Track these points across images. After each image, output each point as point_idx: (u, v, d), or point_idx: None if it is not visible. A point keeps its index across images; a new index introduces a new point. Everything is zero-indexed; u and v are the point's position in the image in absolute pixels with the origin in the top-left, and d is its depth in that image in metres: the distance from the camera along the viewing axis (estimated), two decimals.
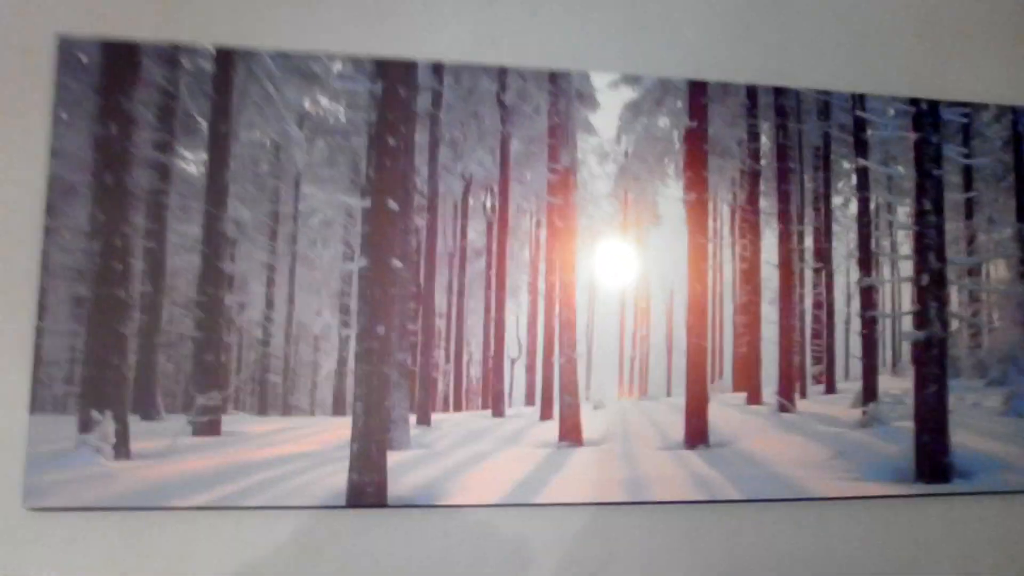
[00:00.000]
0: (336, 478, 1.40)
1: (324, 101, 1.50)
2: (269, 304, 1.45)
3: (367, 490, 1.40)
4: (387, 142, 1.50)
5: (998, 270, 1.70)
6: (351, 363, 1.44)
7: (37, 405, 1.33)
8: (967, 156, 1.70)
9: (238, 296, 1.43)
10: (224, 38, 1.48)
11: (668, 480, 1.48)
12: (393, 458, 1.42)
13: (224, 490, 1.36)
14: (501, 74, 1.56)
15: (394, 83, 1.51)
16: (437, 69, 1.53)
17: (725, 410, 1.55)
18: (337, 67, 1.51)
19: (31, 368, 1.34)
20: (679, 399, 1.54)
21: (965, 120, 1.71)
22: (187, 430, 1.38)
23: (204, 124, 1.45)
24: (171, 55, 1.45)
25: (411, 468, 1.43)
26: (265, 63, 1.49)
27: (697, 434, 1.52)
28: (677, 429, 1.52)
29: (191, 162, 1.44)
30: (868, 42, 1.72)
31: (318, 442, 1.42)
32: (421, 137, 1.52)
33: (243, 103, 1.47)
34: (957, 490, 1.58)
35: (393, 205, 1.48)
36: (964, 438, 1.60)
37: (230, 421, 1.40)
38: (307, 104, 1.50)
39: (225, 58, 1.47)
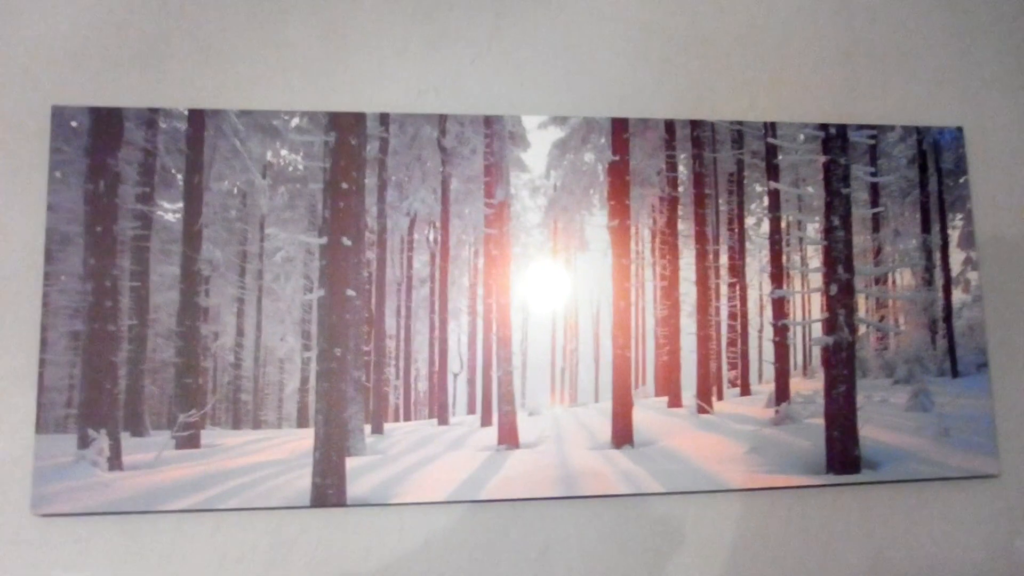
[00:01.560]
0: (302, 482, 1.63)
1: (284, 152, 1.75)
2: (240, 332, 1.69)
3: (329, 492, 1.64)
4: (340, 186, 1.74)
5: (904, 278, 1.89)
6: (312, 381, 1.68)
7: (41, 426, 1.59)
8: (874, 174, 1.90)
9: (213, 326, 1.68)
10: (195, 101, 1.74)
11: (598, 476, 1.70)
12: (351, 463, 1.66)
13: (205, 495, 1.61)
14: (441, 120, 1.79)
15: (345, 134, 1.76)
16: (384, 119, 1.77)
17: (648, 413, 1.76)
18: (295, 121, 1.75)
19: (36, 394, 1.60)
20: (606, 404, 1.76)
21: (872, 141, 1.91)
22: (171, 444, 1.63)
23: (180, 177, 1.70)
24: (150, 118, 1.71)
25: (367, 471, 1.66)
26: (231, 121, 1.73)
27: (623, 435, 1.74)
28: (605, 431, 1.74)
29: (169, 211, 1.69)
30: (780, 74, 1.93)
31: (285, 451, 1.66)
32: (371, 180, 1.75)
33: (213, 157, 1.72)
34: (865, 479, 1.78)
35: (347, 241, 1.72)
36: (872, 432, 1.80)
37: (208, 435, 1.65)
38: (269, 155, 1.74)
39: (197, 118, 1.72)
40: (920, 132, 1.94)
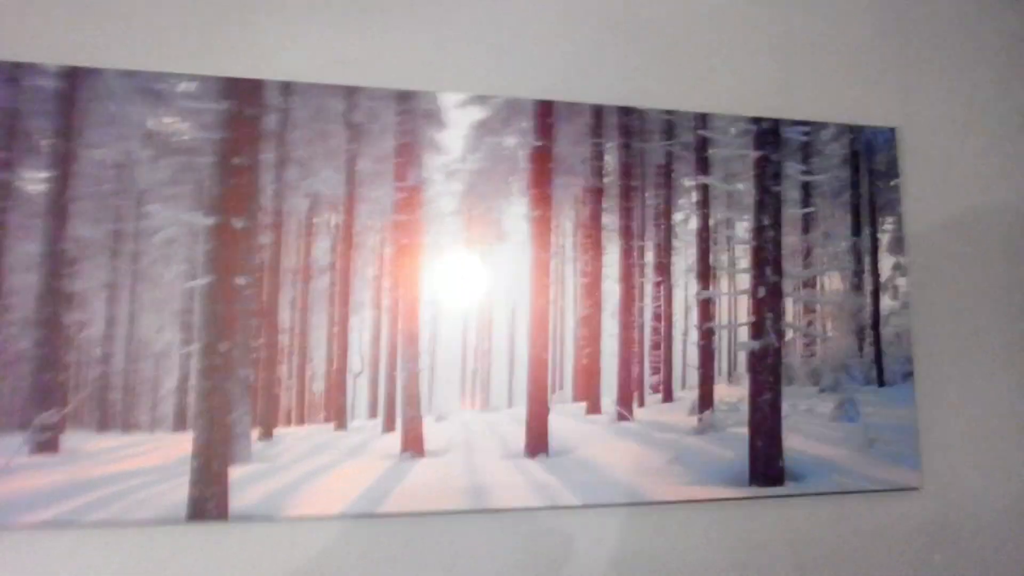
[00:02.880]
0: (177, 493, 1.47)
1: (169, 120, 1.57)
2: (110, 323, 1.52)
3: (208, 504, 1.48)
4: (233, 161, 1.58)
5: (832, 282, 1.85)
6: (193, 379, 1.52)
7: None
8: (806, 173, 1.85)
9: (78, 315, 1.50)
10: (68, 57, 1.55)
11: (509, 488, 1.60)
12: (235, 472, 1.51)
13: (63, 507, 1.43)
14: (350, 94, 1.65)
15: (241, 103, 1.59)
16: (285, 89, 1.62)
17: (565, 420, 1.67)
18: (183, 86, 1.58)
19: None
20: (520, 410, 1.65)
21: (806, 138, 1.86)
22: (24, 448, 1.45)
23: (46, 143, 1.51)
24: (12, 73, 1.51)
25: (253, 481, 1.51)
26: (109, 82, 1.55)
27: (538, 443, 1.64)
28: (518, 439, 1.64)
29: (32, 181, 1.50)
30: (714, 63, 1.85)
31: (159, 457, 1.49)
32: (268, 156, 1.60)
33: (86, 122, 1.54)
34: (789, 492, 1.73)
35: (238, 223, 1.56)
36: (797, 442, 1.75)
37: (69, 439, 1.47)
38: (152, 123, 1.57)
39: (68, 76, 1.53)
40: (854, 131, 1.89)
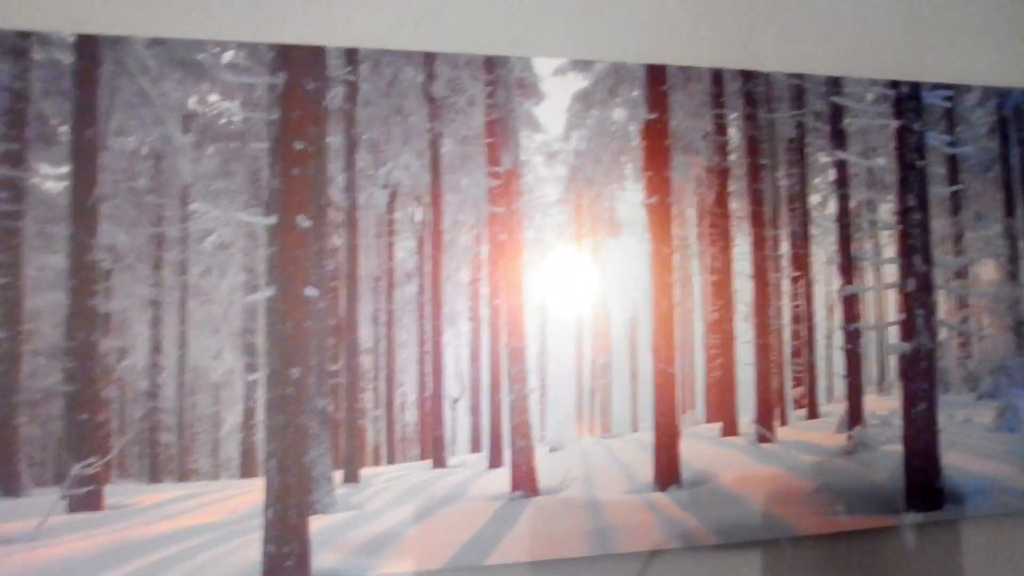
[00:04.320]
0: (249, 551, 1.22)
1: (214, 98, 1.31)
2: (156, 348, 1.26)
3: (287, 563, 1.24)
4: (293, 146, 1.31)
5: (986, 271, 1.62)
6: (260, 414, 1.26)
7: None
8: (952, 144, 1.61)
9: (116, 340, 1.24)
10: (86, 24, 1.27)
11: (637, 528, 1.36)
12: (316, 524, 1.26)
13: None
14: (428, 61, 1.39)
15: (299, 74, 1.33)
16: (351, 56, 1.35)
17: (698, 444, 1.43)
18: (228, 56, 1.31)
19: None
20: (646, 434, 1.41)
21: (948, 104, 1.61)
22: (61, 506, 1.19)
23: (64, 131, 1.24)
24: (19, 45, 1.24)
25: (338, 534, 1.26)
26: (138, 53, 1.28)
27: (668, 474, 1.40)
28: (645, 469, 1.40)
29: (50, 178, 1.23)
30: (843, 19, 1.60)
31: (225, 510, 1.24)
32: (335, 139, 1.34)
33: (113, 103, 1.27)
34: (949, 517, 1.51)
35: (304, 222, 1.30)
36: (956, 459, 1.53)
37: (114, 492, 1.21)
38: (193, 102, 1.30)
39: (88, 48, 1.26)
40: (1001, 94, 1.65)
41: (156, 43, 1.29)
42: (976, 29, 1.68)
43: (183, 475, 1.25)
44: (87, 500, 1.21)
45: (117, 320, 1.24)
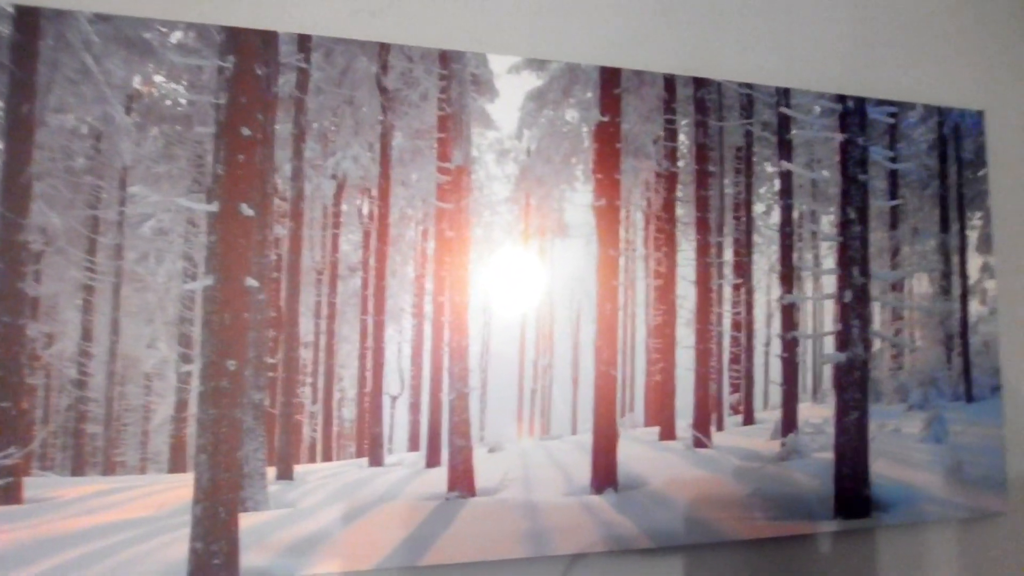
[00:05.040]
0: (174, 549, 1.20)
1: (159, 79, 1.27)
2: (86, 335, 1.22)
3: (214, 561, 1.21)
4: (240, 132, 1.29)
5: (920, 284, 1.67)
6: (193, 407, 1.24)
7: None
8: (893, 160, 1.66)
9: (45, 325, 1.20)
10: None
11: (573, 530, 1.37)
12: (247, 521, 1.24)
13: (28, 572, 1.14)
14: (382, 52, 1.37)
15: (249, 59, 1.30)
16: (303, 43, 1.33)
17: (636, 447, 1.44)
18: (176, 36, 1.28)
19: None
20: (586, 436, 1.42)
21: (892, 120, 1.66)
22: None
23: None
24: None
25: (269, 532, 1.24)
26: (81, 28, 1.24)
27: (605, 477, 1.41)
28: (583, 471, 1.41)
29: None
30: (794, 33, 1.63)
31: (151, 505, 1.21)
32: (283, 127, 1.31)
33: (52, 79, 1.22)
34: (873, 525, 1.56)
35: (247, 210, 1.28)
36: (884, 467, 1.58)
37: (35, 484, 1.17)
38: (137, 82, 1.26)
39: (27, 19, 1.21)
40: (942, 113, 1.71)
41: (101, 19, 1.25)
42: (920, 49, 1.73)
43: (108, 468, 1.22)
44: (5, 493, 1.16)
45: (46, 304, 1.20)
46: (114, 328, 1.23)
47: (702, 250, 1.52)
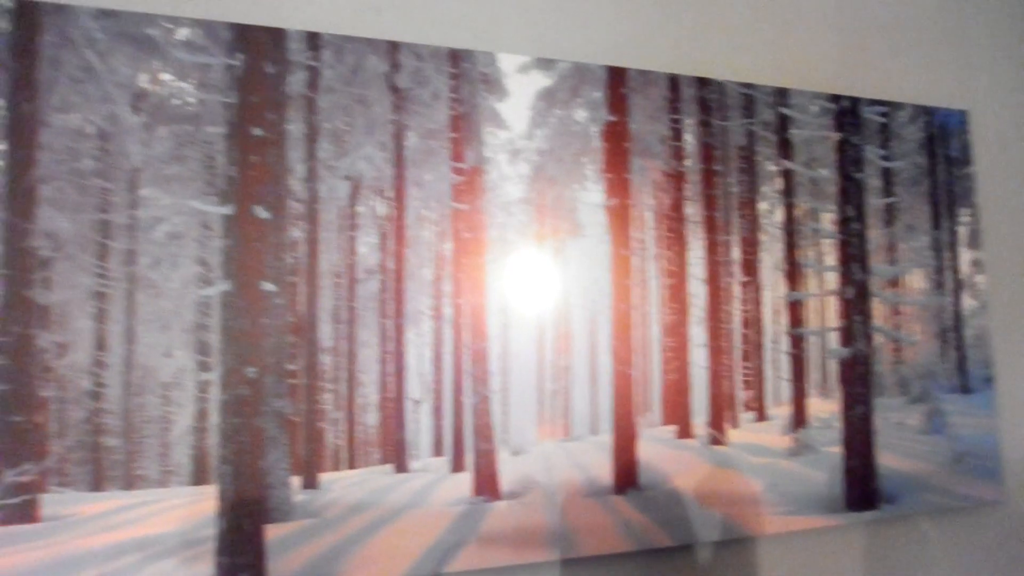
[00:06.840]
0: (199, 565, 1.19)
1: (167, 77, 1.27)
2: (100, 344, 1.20)
3: (241, 575, 1.21)
4: (251, 132, 1.29)
5: (916, 280, 1.76)
6: (213, 416, 1.23)
7: None
8: (886, 158, 1.74)
9: (56, 335, 1.18)
10: None
11: (596, 531, 1.40)
12: (273, 533, 1.23)
13: None
14: (392, 51, 1.39)
15: (258, 57, 1.31)
16: (312, 41, 1.34)
17: (655, 447, 1.48)
18: (183, 33, 1.28)
19: None
20: (606, 437, 1.46)
21: (884, 119, 1.75)
22: None
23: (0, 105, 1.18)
24: None
25: (296, 544, 1.24)
26: (84, 24, 1.23)
27: (626, 477, 1.45)
28: (605, 472, 1.44)
29: None
30: (790, 34, 1.71)
31: (173, 520, 1.20)
32: (295, 127, 1.32)
33: (55, 77, 1.21)
34: (880, 517, 1.63)
35: (262, 213, 1.28)
36: (890, 460, 1.65)
37: (52, 501, 1.15)
38: (144, 80, 1.26)
39: (28, 15, 1.20)
40: (929, 112, 1.81)
41: (105, 15, 1.24)
42: (907, 51, 1.83)
43: (129, 482, 1.20)
44: (21, 511, 1.14)
45: (57, 313, 1.19)
46: (129, 336, 1.22)
47: (711, 249, 1.57)
